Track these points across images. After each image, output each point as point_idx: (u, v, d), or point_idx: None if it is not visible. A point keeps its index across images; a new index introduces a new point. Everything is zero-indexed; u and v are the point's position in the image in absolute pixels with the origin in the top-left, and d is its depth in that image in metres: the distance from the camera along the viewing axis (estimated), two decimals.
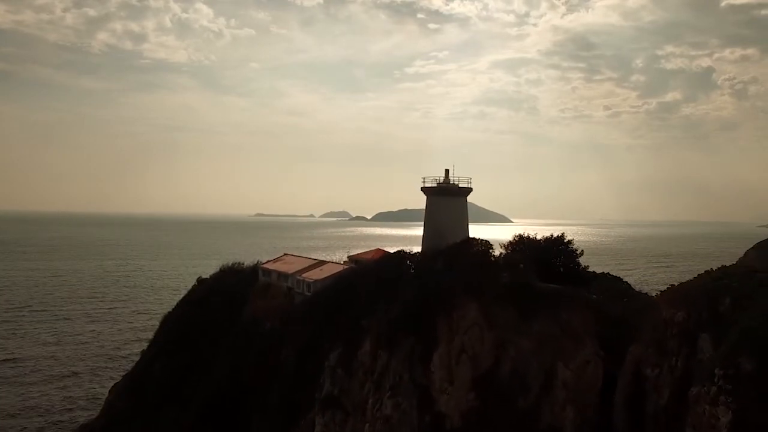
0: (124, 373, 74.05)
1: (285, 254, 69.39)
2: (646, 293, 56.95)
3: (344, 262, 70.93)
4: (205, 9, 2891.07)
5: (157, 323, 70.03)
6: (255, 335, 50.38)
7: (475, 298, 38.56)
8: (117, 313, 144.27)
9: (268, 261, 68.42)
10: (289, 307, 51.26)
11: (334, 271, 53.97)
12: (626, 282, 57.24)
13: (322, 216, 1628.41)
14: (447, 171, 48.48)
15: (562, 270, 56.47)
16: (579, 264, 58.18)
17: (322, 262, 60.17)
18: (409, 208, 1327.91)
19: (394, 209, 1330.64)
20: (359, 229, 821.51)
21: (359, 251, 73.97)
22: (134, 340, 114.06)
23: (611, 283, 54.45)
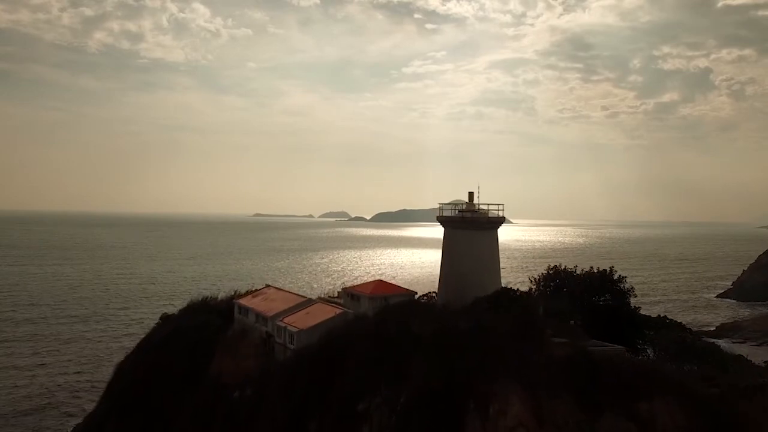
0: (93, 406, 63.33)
1: (267, 285, 57.99)
2: (710, 341, 45.68)
3: (338, 293, 59.89)
4: (202, 9, 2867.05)
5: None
6: (219, 405, 38.86)
7: (518, 383, 27.06)
8: (104, 327, 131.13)
9: (246, 294, 57.00)
10: (263, 368, 39.70)
11: (324, 318, 42.57)
12: (689, 329, 45.82)
13: (320, 216, 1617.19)
14: (471, 194, 36.62)
15: (609, 312, 45.45)
16: (629, 305, 47.04)
17: (309, 301, 48.65)
18: (408, 208, 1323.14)
19: (393, 210, 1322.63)
20: (358, 230, 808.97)
21: (355, 282, 63.00)
22: (119, 360, 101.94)
23: (674, 333, 43.01)
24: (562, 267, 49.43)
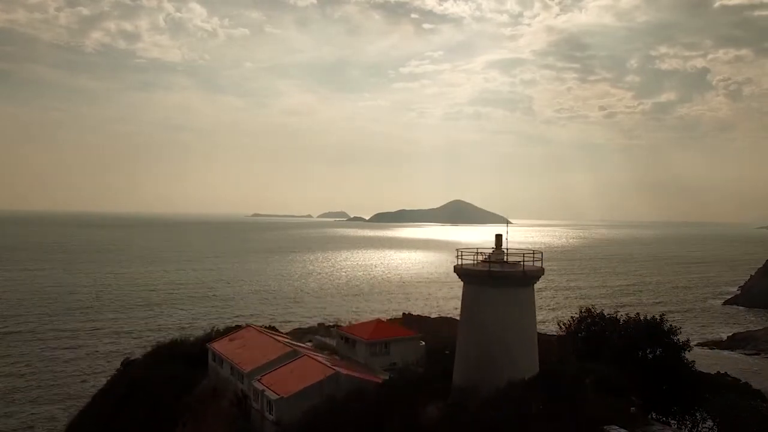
0: None
1: (247, 325, 49.74)
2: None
3: (331, 332, 51.83)
4: (199, 8, 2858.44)
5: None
6: None
7: None
8: (93, 343, 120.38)
9: (225, 333, 48.84)
10: None
11: (311, 381, 34.25)
12: (759, 391, 37.63)
13: (319, 216, 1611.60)
14: (499, 237, 27.80)
15: (660, 371, 37.33)
16: (684, 361, 38.79)
17: (294, 353, 40.26)
18: (407, 208, 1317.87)
19: (392, 210, 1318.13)
20: (357, 230, 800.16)
21: (352, 322, 54.96)
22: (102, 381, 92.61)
23: (743, 399, 34.82)
24: (597, 311, 41.30)
